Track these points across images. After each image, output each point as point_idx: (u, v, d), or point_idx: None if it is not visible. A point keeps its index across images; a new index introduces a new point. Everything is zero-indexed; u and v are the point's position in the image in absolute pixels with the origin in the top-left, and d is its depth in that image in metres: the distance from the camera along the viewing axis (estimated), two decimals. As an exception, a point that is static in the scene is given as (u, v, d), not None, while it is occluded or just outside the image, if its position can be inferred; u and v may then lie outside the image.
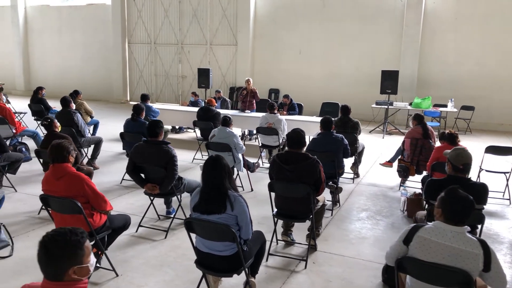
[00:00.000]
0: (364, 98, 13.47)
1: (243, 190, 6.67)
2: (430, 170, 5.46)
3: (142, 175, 4.98)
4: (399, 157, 7.10)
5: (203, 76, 13.80)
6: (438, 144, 6.07)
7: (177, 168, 4.84)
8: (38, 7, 19.36)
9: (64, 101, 7.56)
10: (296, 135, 4.27)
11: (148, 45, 17.44)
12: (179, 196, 5.16)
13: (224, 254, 3.23)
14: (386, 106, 12.19)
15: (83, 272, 1.96)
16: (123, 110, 15.56)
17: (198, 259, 3.38)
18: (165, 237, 4.95)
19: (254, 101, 10.74)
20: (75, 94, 9.50)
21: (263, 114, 8.19)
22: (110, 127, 11.55)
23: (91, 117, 9.67)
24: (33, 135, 8.37)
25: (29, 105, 10.32)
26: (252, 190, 6.71)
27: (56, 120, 5.76)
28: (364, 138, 10.90)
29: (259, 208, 5.78)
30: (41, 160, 5.63)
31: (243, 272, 3.33)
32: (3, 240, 4.57)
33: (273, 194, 4.44)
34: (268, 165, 6.73)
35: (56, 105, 10.51)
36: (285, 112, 10.18)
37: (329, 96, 13.15)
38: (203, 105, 11.92)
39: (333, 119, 6.34)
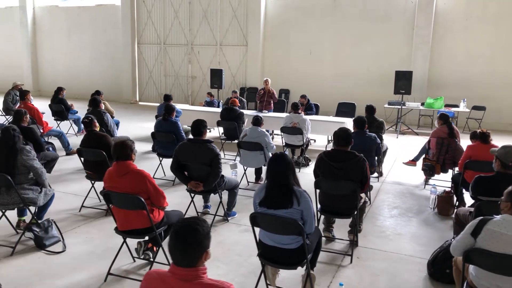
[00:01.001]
0: (375, 98, 13.55)
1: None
2: (462, 168, 5.60)
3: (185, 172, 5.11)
4: (423, 156, 7.25)
5: (216, 76, 13.95)
6: (468, 143, 6.19)
7: (221, 166, 4.98)
8: (47, 8, 19.43)
9: (94, 102, 7.67)
10: (344, 133, 4.41)
11: (157, 45, 17.55)
12: (220, 193, 5.28)
13: (290, 247, 3.36)
14: (399, 106, 12.36)
15: (207, 256, 2.09)
16: (133, 110, 15.68)
17: (261, 252, 3.51)
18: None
19: (272, 101, 10.85)
20: (97, 94, 9.60)
21: (287, 114, 8.30)
22: (123, 127, 11.62)
23: (112, 117, 9.74)
24: (59, 135, 8.47)
25: (50, 105, 10.41)
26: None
27: (95, 120, 5.86)
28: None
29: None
30: (82, 159, 5.72)
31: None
32: (55, 236, 4.70)
33: (310, 190, 4.55)
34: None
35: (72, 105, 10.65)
36: (303, 112, 10.29)
37: (340, 96, 13.28)
38: (218, 105, 12.10)
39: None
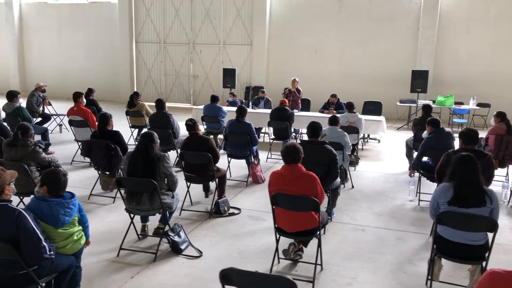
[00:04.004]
0: (381, 97, 13.94)
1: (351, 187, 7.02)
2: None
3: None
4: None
5: (229, 76, 14.01)
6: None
7: (338, 167, 5.11)
8: (35, 4, 18.67)
9: (160, 103, 7.58)
10: (473, 133, 4.67)
11: (157, 44, 17.28)
12: (329, 193, 5.41)
13: (477, 244, 3.57)
14: (412, 104, 12.87)
15: None
16: None
17: (441, 248, 3.70)
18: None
19: (299, 100, 11.02)
20: (135, 95, 9.44)
21: (343, 113, 8.48)
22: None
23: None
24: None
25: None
26: (353, 187, 7.05)
27: (197, 123, 5.84)
28: (396, 135, 11.53)
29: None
30: (183, 162, 5.69)
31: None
32: (186, 240, 4.69)
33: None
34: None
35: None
36: (334, 111, 10.52)
37: (346, 95, 13.45)
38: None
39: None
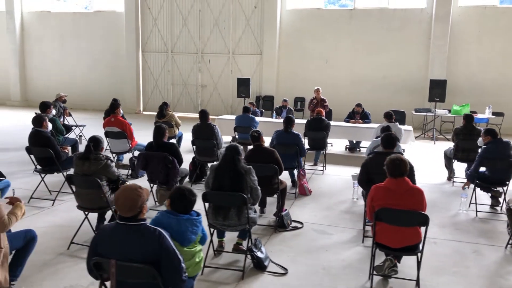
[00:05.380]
0: (392, 105, 13.90)
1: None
2: None
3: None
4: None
5: (243, 85, 13.88)
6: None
7: (415, 179, 5.01)
8: (37, 13, 18.33)
9: (203, 114, 7.41)
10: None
11: (164, 53, 17.09)
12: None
13: None
14: (427, 113, 12.96)
15: None
16: (137, 120, 14.59)
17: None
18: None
19: (324, 110, 10.94)
20: (165, 106, 9.23)
21: (383, 124, 8.40)
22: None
23: (178, 129, 9.43)
24: (142, 149, 8.06)
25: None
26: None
27: (262, 135, 5.69)
28: (415, 145, 11.49)
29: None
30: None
31: None
32: (267, 257, 4.54)
33: None
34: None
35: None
36: (360, 121, 10.49)
37: (356, 103, 13.46)
38: (261, 114, 11.99)
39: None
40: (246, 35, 16.15)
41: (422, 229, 3.91)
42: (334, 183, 7.84)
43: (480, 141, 6.70)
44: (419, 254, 3.88)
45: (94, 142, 4.73)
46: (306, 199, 6.87)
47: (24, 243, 3.69)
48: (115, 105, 8.09)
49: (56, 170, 6.30)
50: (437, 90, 12.41)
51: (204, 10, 16.36)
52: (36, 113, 7.36)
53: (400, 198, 3.78)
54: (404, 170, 3.82)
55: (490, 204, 6.55)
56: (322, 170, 8.56)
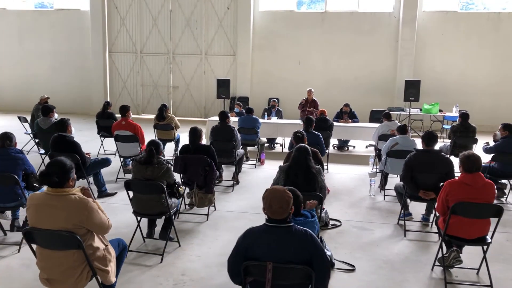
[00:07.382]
0: (363, 104, 14.49)
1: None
2: None
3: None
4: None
5: (223, 87, 13.88)
6: None
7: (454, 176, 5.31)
8: (-9, 10, 17.23)
9: (223, 116, 7.34)
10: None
11: (133, 54, 16.66)
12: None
13: None
14: (400, 112, 13.61)
15: None
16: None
17: None
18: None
19: (314, 111, 11.19)
20: (164, 108, 9.06)
21: (383, 123, 8.74)
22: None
23: (176, 131, 9.29)
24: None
25: (97, 121, 9.54)
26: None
27: (306, 136, 5.76)
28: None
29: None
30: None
31: None
32: (331, 254, 4.64)
33: None
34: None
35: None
36: (350, 120, 10.84)
37: (329, 104, 13.75)
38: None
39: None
40: (219, 36, 16.11)
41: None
42: (344, 181, 8.09)
43: (497, 134, 7.13)
44: (489, 244, 4.16)
45: (156, 146, 4.60)
46: (328, 197, 7.02)
47: (119, 251, 3.57)
48: (125, 108, 7.84)
49: (80, 177, 6.04)
50: (412, 90, 13.08)
51: (175, 10, 16.13)
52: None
53: (477, 192, 4.04)
54: (479, 165, 4.09)
55: (496, 195, 7.04)
56: (327, 169, 8.78)
